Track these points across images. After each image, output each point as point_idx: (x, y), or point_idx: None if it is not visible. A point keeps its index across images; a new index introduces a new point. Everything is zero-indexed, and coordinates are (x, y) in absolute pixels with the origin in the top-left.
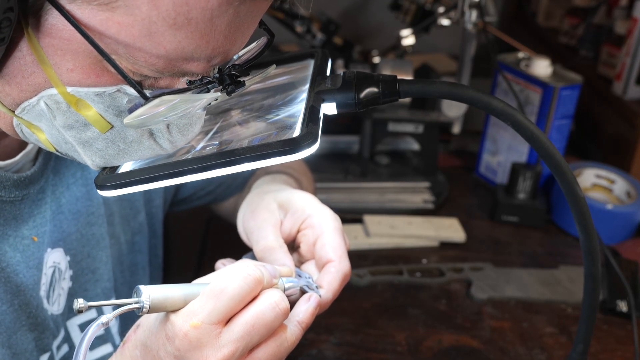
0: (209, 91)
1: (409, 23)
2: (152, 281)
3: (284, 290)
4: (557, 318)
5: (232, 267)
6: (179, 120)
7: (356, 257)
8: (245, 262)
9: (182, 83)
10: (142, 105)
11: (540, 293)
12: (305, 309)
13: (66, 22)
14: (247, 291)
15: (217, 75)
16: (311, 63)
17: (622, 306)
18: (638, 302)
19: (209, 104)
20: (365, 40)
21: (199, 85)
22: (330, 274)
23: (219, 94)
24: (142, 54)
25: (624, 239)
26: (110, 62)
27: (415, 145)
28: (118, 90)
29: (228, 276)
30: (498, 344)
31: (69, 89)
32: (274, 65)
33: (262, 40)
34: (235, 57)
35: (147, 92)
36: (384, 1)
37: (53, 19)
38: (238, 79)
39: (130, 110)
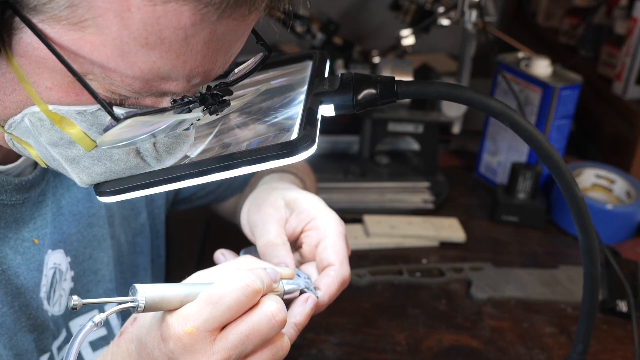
0: (190, 111)
1: (409, 23)
2: (154, 282)
3: (284, 293)
4: (557, 318)
5: (233, 270)
6: (166, 139)
7: (356, 257)
8: (245, 265)
9: (166, 103)
10: (116, 125)
11: (540, 293)
12: (301, 311)
13: (40, 41)
14: (245, 302)
15: (199, 94)
16: (309, 64)
17: (622, 306)
18: (638, 302)
19: (192, 124)
20: (365, 40)
21: (180, 104)
22: (329, 277)
23: (200, 114)
24: (117, 75)
25: (624, 239)
26: (81, 81)
27: (415, 145)
28: (100, 109)
29: (227, 284)
30: (498, 344)
31: (51, 107)
32: (268, 83)
33: (259, 56)
34: (231, 73)
35: (123, 112)
36: (384, 1)
37: (28, 37)
38: (223, 98)
39: (106, 129)
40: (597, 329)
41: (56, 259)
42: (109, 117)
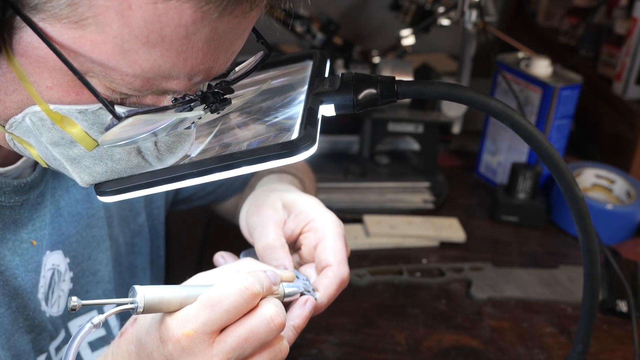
0: (192, 109)
1: (409, 23)
2: (154, 282)
3: (284, 296)
4: (557, 318)
5: (233, 273)
6: (167, 138)
7: (356, 257)
8: (246, 268)
9: (168, 101)
10: (117, 124)
11: (540, 293)
12: (300, 314)
13: (40, 39)
14: (244, 305)
15: (200, 93)
16: (310, 64)
17: (622, 306)
18: (638, 302)
19: (193, 122)
20: (365, 40)
21: (181, 103)
22: (327, 278)
23: (201, 112)
24: (118, 73)
25: (624, 239)
26: (82, 80)
27: (415, 145)
28: (101, 108)
29: (226, 287)
30: (498, 344)
31: (52, 106)
32: (269, 82)
33: (259, 55)
34: (231, 72)
35: (124, 110)
36: (384, 1)
37: (28, 36)
38: (224, 97)
39: (107, 128)
40: (597, 329)
41: (55, 260)
42: (110, 116)
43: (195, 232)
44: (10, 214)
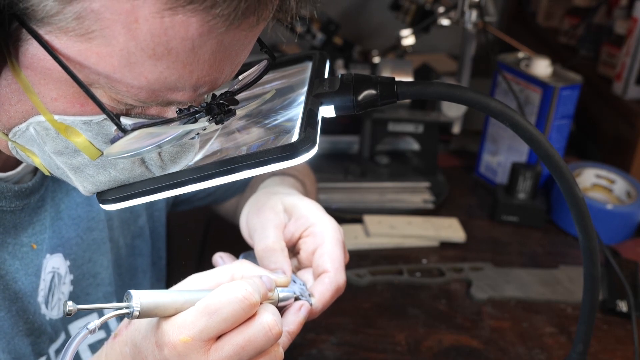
0: (196, 121)
1: (409, 23)
2: (154, 284)
3: (279, 300)
4: (557, 318)
5: (229, 277)
6: (171, 149)
7: (356, 257)
8: (241, 272)
9: (172, 111)
10: (123, 136)
11: (540, 293)
12: (294, 320)
13: (46, 52)
14: (242, 315)
15: (205, 104)
16: (309, 65)
17: (622, 306)
18: (638, 302)
19: (197, 134)
20: (365, 40)
21: (186, 115)
22: (323, 284)
23: (206, 123)
24: (123, 85)
25: (624, 239)
26: (88, 93)
27: (415, 145)
28: (105, 119)
29: (225, 295)
30: (498, 344)
31: (56, 117)
32: (273, 91)
33: (263, 64)
34: (235, 80)
35: (130, 123)
36: (384, 1)
37: (34, 48)
38: (228, 108)
39: (113, 140)
40: (597, 329)
41: (55, 263)
42: (114, 127)
43: (195, 233)
44: (11, 219)
